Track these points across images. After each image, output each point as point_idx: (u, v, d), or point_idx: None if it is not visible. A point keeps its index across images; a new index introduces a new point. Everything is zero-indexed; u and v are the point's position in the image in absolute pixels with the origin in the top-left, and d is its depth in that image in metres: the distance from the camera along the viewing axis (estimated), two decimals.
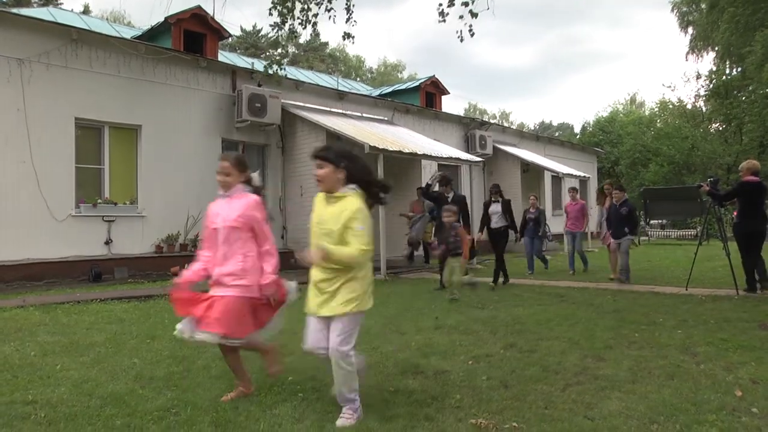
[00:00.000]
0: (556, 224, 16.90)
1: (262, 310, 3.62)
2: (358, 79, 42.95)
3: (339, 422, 3.18)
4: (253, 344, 3.70)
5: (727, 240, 8.23)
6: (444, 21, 8.74)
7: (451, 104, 73.72)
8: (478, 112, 59.13)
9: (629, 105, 50.84)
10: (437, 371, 4.18)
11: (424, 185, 9.82)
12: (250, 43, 41.96)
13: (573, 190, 12.05)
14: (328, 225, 3.20)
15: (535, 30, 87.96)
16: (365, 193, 3.30)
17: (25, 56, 9.44)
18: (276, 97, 12.11)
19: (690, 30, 32.41)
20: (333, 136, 11.78)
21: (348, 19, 9.35)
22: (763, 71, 20.91)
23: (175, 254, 10.49)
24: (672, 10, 33.32)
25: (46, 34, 9.74)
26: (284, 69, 11.92)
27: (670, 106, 36.13)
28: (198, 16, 13.03)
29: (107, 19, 31.62)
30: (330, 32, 60.90)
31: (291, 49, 42.82)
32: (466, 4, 8.42)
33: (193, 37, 13.02)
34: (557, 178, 19.00)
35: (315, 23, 9.50)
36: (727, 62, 28.65)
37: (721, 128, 32.60)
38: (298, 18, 9.39)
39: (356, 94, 16.13)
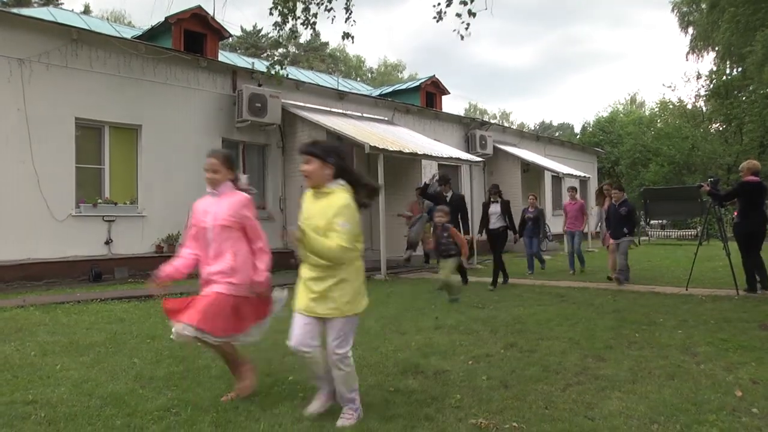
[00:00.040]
0: (556, 224, 16.92)
1: (246, 314, 3.52)
2: (358, 79, 42.95)
3: (339, 422, 3.17)
4: (228, 351, 3.54)
5: (728, 240, 8.23)
6: (440, 20, 8.70)
7: (451, 104, 73.77)
8: (478, 112, 59.14)
9: (629, 105, 50.81)
10: (437, 371, 4.18)
11: (421, 185, 9.82)
12: (251, 43, 41.96)
13: (572, 189, 12.05)
14: (314, 221, 3.13)
15: (535, 30, 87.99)
16: (354, 189, 3.22)
17: (26, 56, 9.44)
18: (276, 97, 12.11)
19: (690, 30, 32.39)
20: (333, 136, 11.78)
21: (347, 19, 9.33)
22: (764, 71, 20.90)
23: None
24: (672, 10, 33.32)
25: (47, 34, 9.74)
26: (285, 69, 11.92)
27: (671, 106, 36.12)
28: (198, 16, 13.03)
29: (107, 19, 31.66)
30: (330, 32, 60.95)
31: (292, 49, 42.87)
32: (464, 3, 8.40)
33: (193, 37, 13.02)
34: (557, 178, 19.00)
35: (314, 23, 9.49)
36: (728, 62, 28.62)
37: (721, 128, 32.60)
38: (300, 17, 9.36)
39: (356, 94, 16.13)
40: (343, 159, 3.23)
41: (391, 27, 79.52)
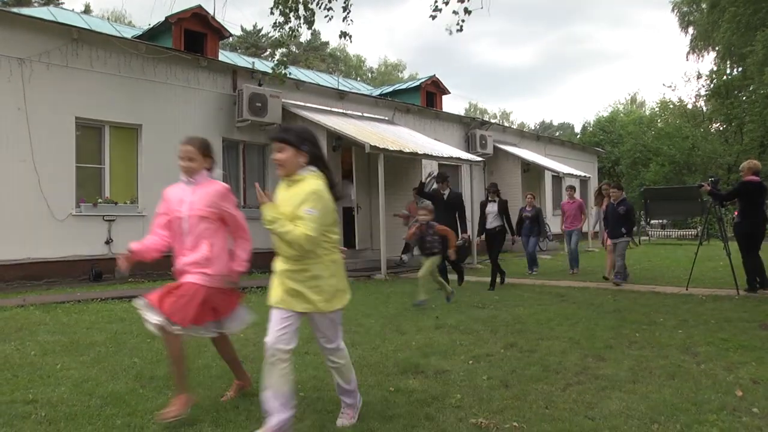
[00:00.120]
0: (556, 224, 16.91)
1: (218, 305, 3.33)
2: (358, 78, 42.95)
3: (339, 422, 3.17)
4: (180, 357, 3.24)
5: (728, 240, 8.23)
6: (435, 17, 8.65)
7: (451, 104, 73.77)
8: (478, 112, 59.15)
9: (630, 105, 50.84)
10: (437, 371, 4.18)
11: (418, 184, 9.79)
12: (251, 42, 41.98)
13: (570, 188, 12.01)
14: (282, 208, 2.95)
15: (535, 30, 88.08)
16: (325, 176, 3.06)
17: (26, 56, 9.44)
18: (277, 96, 12.10)
19: (690, 30, 32.43)
20: (333, 135, 11.76)
21: (345, 18, 9.31)
22: (764, 71, 20.90)
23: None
24: (672, 10, 33.37)
25: (47, 34, 9.74)
26: (287, 68, 11.92)
27: (671, 106, 36.10)
28: (198, 15, 13.03)
29: (108, 18, 31.65)
30: (330, 32, 60.91)
31: (292, 49, 42.83)
32: (461, 1, 8.38)
33: (193, 37, 13.01)
34: (558, 178, 19.00)
35: (312, 21, 9.47)
36: (728, 62, 28.66)
37: (721, 128, 32.58)
38: (303, 16, 9.35)
39: (357, 93, 16.12)
40: (317, 146, 3.11)
41: (392, 27, 79.65)
